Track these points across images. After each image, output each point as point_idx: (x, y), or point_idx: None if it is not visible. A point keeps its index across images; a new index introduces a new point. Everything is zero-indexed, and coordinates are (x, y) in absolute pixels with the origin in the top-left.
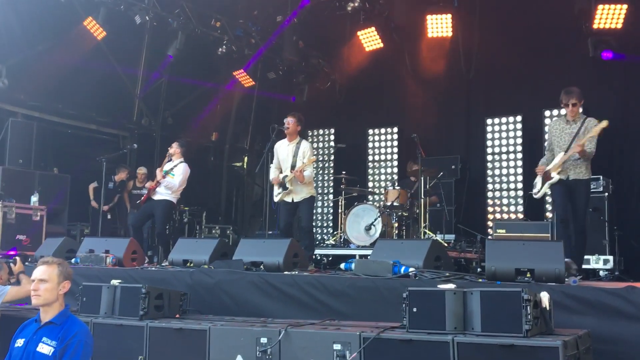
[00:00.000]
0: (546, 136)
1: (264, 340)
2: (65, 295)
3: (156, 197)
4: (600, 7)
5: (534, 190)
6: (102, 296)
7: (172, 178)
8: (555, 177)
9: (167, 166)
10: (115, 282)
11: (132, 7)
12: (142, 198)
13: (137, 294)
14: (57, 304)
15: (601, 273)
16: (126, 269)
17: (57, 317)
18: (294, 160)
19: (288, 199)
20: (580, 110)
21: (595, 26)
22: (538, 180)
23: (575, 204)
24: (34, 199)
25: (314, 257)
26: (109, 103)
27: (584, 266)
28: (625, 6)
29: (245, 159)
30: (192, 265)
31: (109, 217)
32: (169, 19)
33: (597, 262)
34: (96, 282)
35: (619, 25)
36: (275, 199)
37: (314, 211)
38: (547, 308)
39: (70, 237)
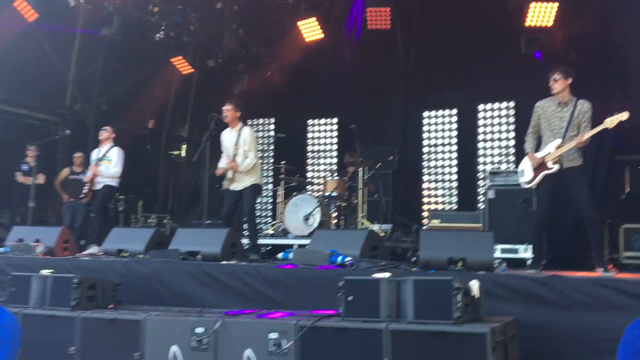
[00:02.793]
0: (532, 118)
1: (199, 330)
2: None
3: (98, 187)
4: (532, 5)
5: (524, 179)
6: (32, 286)
7: (109, 164)
8: (554, 167)
9: (99, 154)
10: (46, 272)
11: None
12: (87, 192)
13: (68, 284)
14: None
15: (529, 262)
16: (58, 259)
17: None
18: (236, 148)
19: (232, 187)
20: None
21: (527, 23)
22: (526, 168)
23: (576, 192)
24: None
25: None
26: (41, 87)
27: (512, 255)
28: (556, 4)
29: (184, 147)
30: (127, 255)
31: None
32: (104, 2)
33: (525, 251)
34: (26, 272)
35: (550, 23)
36: (223, 186)
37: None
38: (477, 296)
39: None
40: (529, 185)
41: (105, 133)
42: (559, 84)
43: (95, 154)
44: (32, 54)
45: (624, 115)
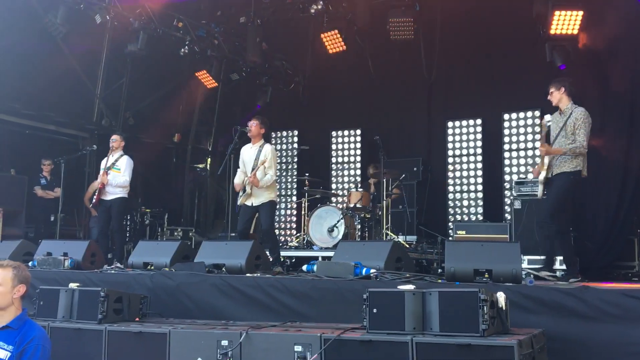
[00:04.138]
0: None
1: (224, 342)
2: (23, 300)
3: (108, 197)
4: (557, 13)
5: (538, 192)
6: (60, 300)
7: (119, 172)
8: (541, 175)
9: (108, 161)
10: (73, 285)
11: (92, 6)
12: (94, 200)
13: (95, 298)
14: (13, 308)
15: (557, 274)
16: (85, 272)
17: (13, 322)
18: (255, 163)
19: (248, 202)
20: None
21: (552, 31)
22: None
23: (547, 194)
24: None
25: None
26: (68, 103)
27: (540, 266)
28: (580, 12)
29: (208, 160)
30: (152, 268)
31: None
32: (130, 19)
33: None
34: (54, 286)
35: (575, 31)
36: (238, 202)
37: (276, 213)
38: (504, 308)
39: (27, 240)
40: (539, 197)
41: (114, 143)
42: (553, 96)
43: (104, 163)
44: (60, 71)
45: (546, 117)
